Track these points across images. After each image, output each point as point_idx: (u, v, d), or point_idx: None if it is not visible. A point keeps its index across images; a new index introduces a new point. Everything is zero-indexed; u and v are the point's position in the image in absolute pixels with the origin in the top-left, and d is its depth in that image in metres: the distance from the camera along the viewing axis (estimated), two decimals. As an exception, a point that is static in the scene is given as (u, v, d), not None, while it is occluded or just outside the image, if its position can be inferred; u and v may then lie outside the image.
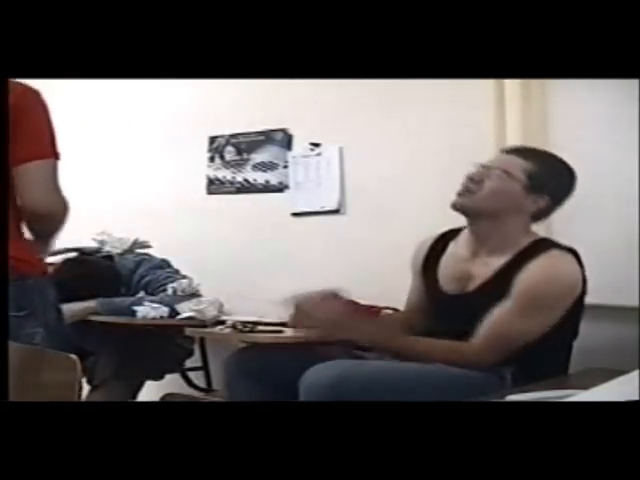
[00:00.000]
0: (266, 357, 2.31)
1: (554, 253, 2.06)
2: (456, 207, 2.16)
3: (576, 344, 2.37)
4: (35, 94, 2.06)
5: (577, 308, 2.10)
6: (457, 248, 2.23)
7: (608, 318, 2.55)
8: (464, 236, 2.23)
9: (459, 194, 2.14)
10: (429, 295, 2.26)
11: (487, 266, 2.11)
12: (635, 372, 1.39)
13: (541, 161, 2.13)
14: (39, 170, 1.94)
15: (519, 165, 2.10)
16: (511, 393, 1.62)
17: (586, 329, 2.44)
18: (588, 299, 2.56)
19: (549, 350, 2.07)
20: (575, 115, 2.69)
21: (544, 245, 2.10)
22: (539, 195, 2.11)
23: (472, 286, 2.13)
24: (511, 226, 2.12)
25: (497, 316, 2.02)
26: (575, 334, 2.21)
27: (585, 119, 2.67)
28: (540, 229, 2.70)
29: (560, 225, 2.70)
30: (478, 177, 2.12)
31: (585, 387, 1.33)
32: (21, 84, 1.99)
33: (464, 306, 2.09)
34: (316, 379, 1.92)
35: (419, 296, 2.31)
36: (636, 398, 1.16)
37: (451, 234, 2.30)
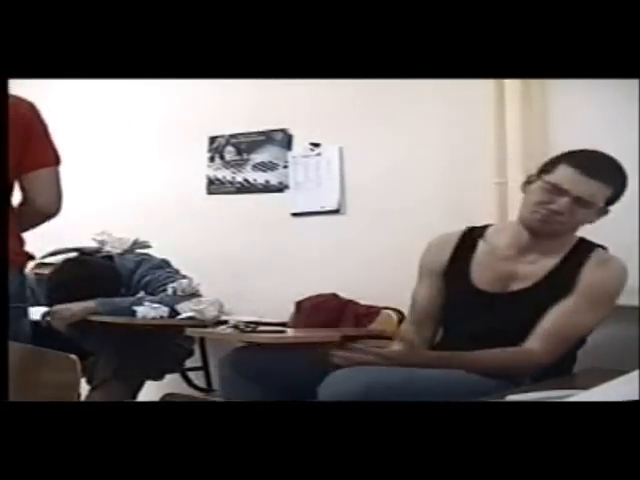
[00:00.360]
0: (263, 358, 2.30)
1: (601, 251, 2.13)
2: (533, 230, 2.13)
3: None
4: (33, 106, 2.28)
5: None
6: (494, 247, 2.20)
7: (608, 318, 2.55)
8: (505, 235, 2.21)
9: (536, 218, 2.09)
10: (459, 295, 2.21)
11: (537, 265, 2.12)
12: (635, 372, 1.39)
13: (617, 181, 2.09)
14: (49, 176, 2.28)
15: (603, 194, 2.07)
16: (511, 393, 1.62)
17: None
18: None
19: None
20: (575, 115, 2.69)
21: (587, 244, 2.15)
22: (606, 211, 2.14)
23: (519, 285, 2.12)
24: (571, 235, 2.17)
25: (562, 313, 2.04)
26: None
27: (585, 119, 2.67)
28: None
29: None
30: (566, 209, 2.05)
31: (585, 387, 1.32)
32: (17, 97, 2.11)
33: (510, 305, 2.10)
34: (341, 389, 1.86)
35: (435, 298, 2.26)
36: (636, 398, 1.16)
37: (476, 232, 2.27)
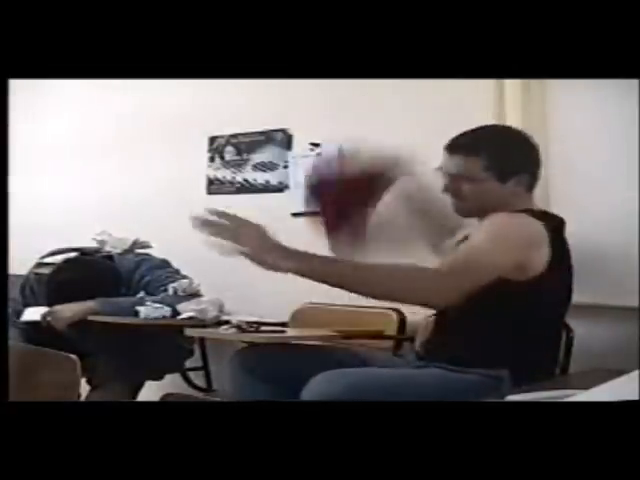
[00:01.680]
0: (270, 357, 2.29)
1: (525, 214, 2.06)
2: (458, 214, 2.17)
3: (576, 344, 2.37)
4: None
5: (546, 288, 2.03)
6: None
7: (608, 318, 2.55)
8: None
9: (452, 205, 2.15)
10: None
11: None
12: (635, 372, 1.39)
13: (490, 148, 2.09)
14: None
15: (473, 165, 2.07)
16: (511, 393, 1.62)
17: (586, 329, 2.45)
18: (588, 299, 2.57)
19: (537, 349, 2.05)
20: (575, 115, 2.69)
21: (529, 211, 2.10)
22: (512, 177, 2.09)
23: None
24: (512, 209, 2.11)
25: (464, 246, 2.02)
26: (559, 331, 2.19)
27: (585, 119, 2.67)
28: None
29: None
30: (450, 188, 2.12)
31: (585, 387, 1.32)
32: None
33: None
34: (324, 390, 1.86)
35: None
36: (636, 398, 1.16)
37: None
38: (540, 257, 2.01)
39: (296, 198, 3.40)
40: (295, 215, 3.40)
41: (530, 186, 2.15)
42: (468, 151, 2.09)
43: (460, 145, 2.12)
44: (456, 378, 1.98)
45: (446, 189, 2.13)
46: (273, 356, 2.29)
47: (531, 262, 2.00)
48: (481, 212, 2.11)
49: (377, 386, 1.93)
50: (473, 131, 2.16)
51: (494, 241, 1.97)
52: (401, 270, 1.89)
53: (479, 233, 2.01)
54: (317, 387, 1.89)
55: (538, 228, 2.03)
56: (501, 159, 2.09)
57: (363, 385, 1.91)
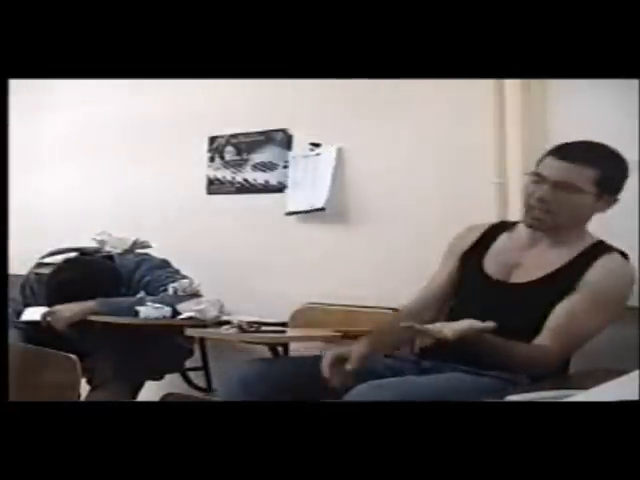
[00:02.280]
0: (289, 370, 2.22)
1: (616, 255, 2.10)
2: (533, 227, 2.15)
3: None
4: None
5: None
6: (511, 238, 2.23)
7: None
8: (522, 225, 2.22)
9: (531, 215, 2.11)
10: (468, 278, 2.24)
11: (542, 259, 2.12)
12: (635, 372, 1.39)
13: (605, 164, 2.09)
14: None
15: (587, 177, 2.05)
16: (511, 393, 1.61)
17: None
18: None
19: None
20: (575, 115, 2.68)
21: (604, 246, 2.13)
22: (608, 197, 2.11)
23: (524, 277, 2.13)
24: (578, 227, 2.15)
25: (567, 311, 2.03)
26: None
27: (585, 119, 2.67)
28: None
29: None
30: (548, 197, 2.07)
31: (585, 387, 1.33)
32: None
33: (514, 295, 2.10)
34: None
35: (446, 280, 2.29)
36: (636, 398, 1.16)
37: (504, 225, 2.31)
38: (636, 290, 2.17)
39: (296, 198, 3.41)
40: (291, 214, 3.41)
41: (607, 209, 2.16)
42: (584, 161, 2.06)
43: (575, 153, 2.08)
44: (474, 382, 1.97)
45: (540, 197, 2.07)
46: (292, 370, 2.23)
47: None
48: (556, 227, 2.12)
49: (421, 395, 1.89)
50: (586, 143, 2.13)
51: (602, 308, 2.04)
52: (518, 348, 1.98)
53: (592, 300, 2.03)
54: (364, 397, 1.86)
55: (631, 273, 2.12)
56: (610, 177, 2.08)
57: (408, 395, 1.87)
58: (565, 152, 2.08)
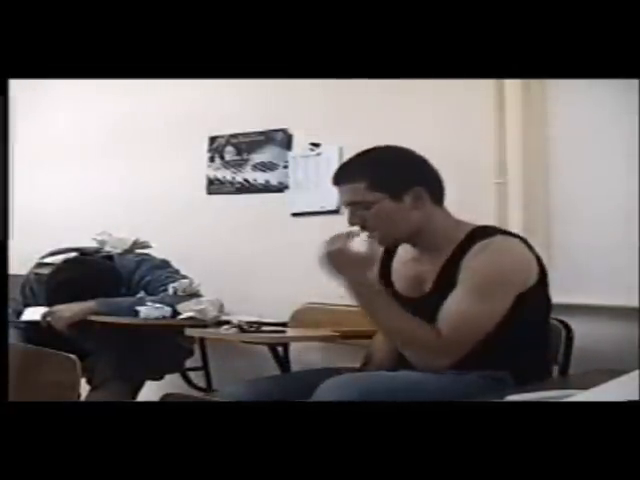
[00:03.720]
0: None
1: (498, 238, 2.01)
2: (382, 244, 2.13)
3: (576, 344, 2.37)
4: None
5: (537, 298, 2.03)
6: (404, 251, 2.17)
7: (608, 318, 2.55)
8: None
9: (370, 237, 2.08)
10: (394, 299, 2.15)
11: (432, 265, 2.06)
12: (635, 372, 1.39)
13: (371, 169, 2.05)
14: None
15: (359, 190, 2.04)
16: (511, 393, 1.62)
17: (586, 329, 2.45)
18: (588, 299, 2.57)
19: (532, 351, 2.02)
20: (575, 115, 2.69)
21: (485, 232, 2.03)
22: (405, 194, 2.03)
23: (427, 288, 2.06)
24: (429, 226, 2.06)
25: (450, 307, 1.96)
26: (545, 330, 2.13)
27: (585, 119, 2.67)
28: (539, 229, 2.71)
29: (560, 225, 2.70)
30: (354, 219, 2.08)
31: (585, 387, 1.33)
32: None
33: (425, 309, 2.01)
34: (337, 396, 1.83)
35: None
36: (636, 398, 1.16)
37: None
38: (533, 275, 2.00)
39: (296, 198, 3.41)
40: (295, 215, 3.41)
41: (436, 199, 2.08)
42: (348, 178, 2.07)
43: (340, 175, 2.10)
44: (457, 379, 1.96)
45: (351, 222, 2.08)
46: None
47: (528, 284, 1.99)
48: (403, 236, 2.08)
49: (388, 389, 1.91)
50: (350, 159, 2.13)
51: (489, 295, 1.94)
52: (409, 321, 1.98)
53: (471, 288, 1.94)
54: (329, 394, 1.86)
55: (521, 253, 2.00)
56: (382, 177, 2.04)
57: (374, 389, 1.88)
58: (335, 178, 2.11)
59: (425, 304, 2.02)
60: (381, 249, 2.19)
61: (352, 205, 2.08)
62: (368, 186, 2.03)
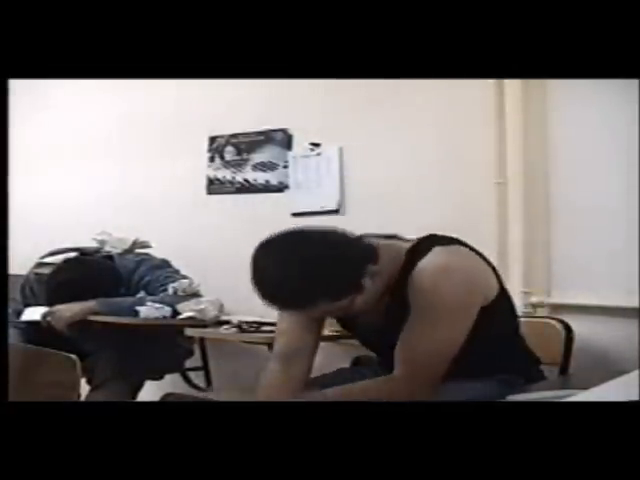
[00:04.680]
0: None
1: (420, 264, 1.77)
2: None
3: (576, 344, 2.37)
4: None
5: (500, 302, 1.87)
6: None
7: (608, 318, 2.55)
8: None
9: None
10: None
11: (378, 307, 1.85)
12: (635, 372, 1.39)
13: (277, 284, 1.76)
14: None
15: (285, 299, 1.77)
16: (511, 393, 1.62)
17: (586, 329, 2.45)
18: (588, 299, 2.57)
19: (492, 352, 1.88)
20: (575, 115, 2.69)
21: (408, 264, 1.81)
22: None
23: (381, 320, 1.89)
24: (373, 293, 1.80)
25: (408, 340, 1.79)
26: (515, 328, 2.00)
27: (585, 119, 2.67)
28: (539, 229, 2.71)
29: (559, 225, 2.70)
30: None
31: (585, 387, 1.33)
32: None
33: (386, 340, 1.86)
34: None
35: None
36: (636, 398, 1.16)
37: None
38: (493, 282, 1.86)
39: (296, 198, 3.41)
40: (295, 215, 3.41)
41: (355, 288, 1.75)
42: (271, 297, 1.78)
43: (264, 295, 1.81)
44: (473, 386, 1.89)
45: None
46: None
47: (490, 294, 1.84)
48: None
49: None
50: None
51: (449, 321, 1.75)
52: (369, 386, 1.84)
53: (416, 313, 1.75)
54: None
55: (473, 264, 1.83)
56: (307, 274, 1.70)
57: None
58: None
59: (385, 337, 1.86)
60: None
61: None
62: (290, 290, 1.73)
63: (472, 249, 1.87)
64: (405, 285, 1.78)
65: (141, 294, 3.17)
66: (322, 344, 2.06)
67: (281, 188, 3.46)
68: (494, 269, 1.88)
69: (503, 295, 1.89)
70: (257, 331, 2.70)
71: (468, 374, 1.83)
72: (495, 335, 1.85)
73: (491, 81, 2.77)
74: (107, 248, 3.39)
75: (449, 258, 1.79)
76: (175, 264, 3.34)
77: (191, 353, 3.39)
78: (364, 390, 1.85)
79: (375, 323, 1.90)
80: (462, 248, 1.85)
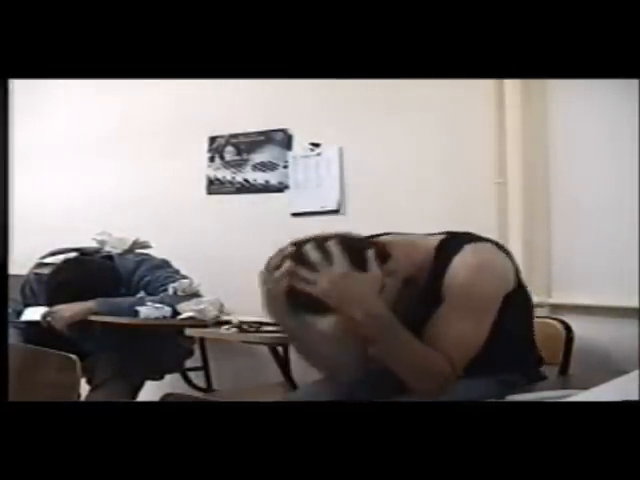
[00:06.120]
0: None
1: (460, 254, 1.85)
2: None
3: (576, 344, 2.37)
4: None
5: (517, 298, 1.92)
6: None
7: (608, 318, 2.55)
8: None
9: None
10: None
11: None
12: (635, 372, 1.39)
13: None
14: None
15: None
16: (511, 393, 1.62)
17: (586, 329, 2.45)
18: (588, 299, 2.57)
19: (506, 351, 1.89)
20: (575, 115, 2.69)
21: (447, 249, 1.90)
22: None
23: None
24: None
25: (446, 331, 1.82)
26: (530, 327, 2.04)
27: (585, 119, 2.67)
28: (539, 229, 2.71)
29: (560, 225, 2.70)
30: None
31: (585, 387, 1.33)
32: None
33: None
34: None
35: None
36: (636, 398, 1.16)
37: None
38: (512, 278, 1.92)
39: (296, 198, 3.41)
40: (295, 215, 3.41)
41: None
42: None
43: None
44: (475, 385, 1.91)
45: None
46: None
47: (508, 287, 1.90)
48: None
49: None
50: None
51: (478, 310, 1.82)
52: (425, 354, 1.81)
53: (451, 303, 1.82)
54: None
55: (499, 265, 1.89)
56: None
57: None
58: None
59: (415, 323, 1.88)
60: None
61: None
62: None
63: (497, 244, 1.95)
64: (439, 278, 1.84)
65: (141, 294, 3.17)
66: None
67: (281, 188, 3.46)
68: (516, 266, 1.95)
69: (519, 292, 1.94)
70: (257, 331, 2.70)
71: (475, 371, 1.84)
72: (507, 330, 1.88)
73: (491, 81, 2.77)
74: (107, 248, 3.39)
75: (483, 255, 1.88)
76: (175, 264, 3.34)
77: (191, 353, 3.39)
78: (422, 352, 1.81)
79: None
80: (488, 245, 1.93)
